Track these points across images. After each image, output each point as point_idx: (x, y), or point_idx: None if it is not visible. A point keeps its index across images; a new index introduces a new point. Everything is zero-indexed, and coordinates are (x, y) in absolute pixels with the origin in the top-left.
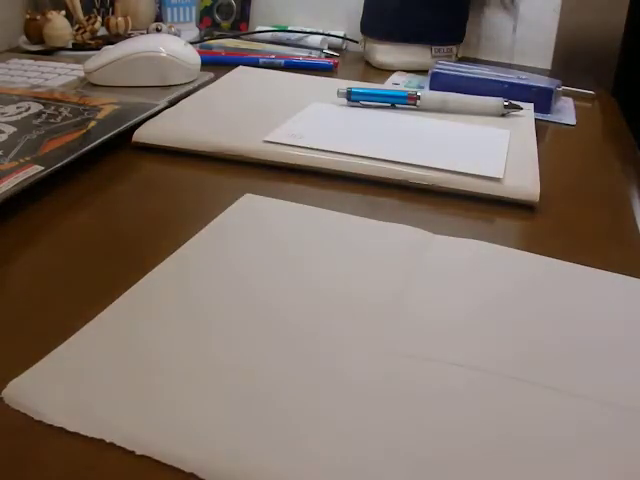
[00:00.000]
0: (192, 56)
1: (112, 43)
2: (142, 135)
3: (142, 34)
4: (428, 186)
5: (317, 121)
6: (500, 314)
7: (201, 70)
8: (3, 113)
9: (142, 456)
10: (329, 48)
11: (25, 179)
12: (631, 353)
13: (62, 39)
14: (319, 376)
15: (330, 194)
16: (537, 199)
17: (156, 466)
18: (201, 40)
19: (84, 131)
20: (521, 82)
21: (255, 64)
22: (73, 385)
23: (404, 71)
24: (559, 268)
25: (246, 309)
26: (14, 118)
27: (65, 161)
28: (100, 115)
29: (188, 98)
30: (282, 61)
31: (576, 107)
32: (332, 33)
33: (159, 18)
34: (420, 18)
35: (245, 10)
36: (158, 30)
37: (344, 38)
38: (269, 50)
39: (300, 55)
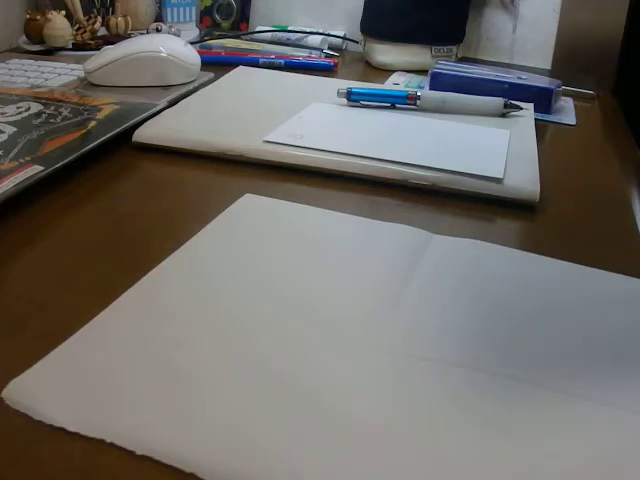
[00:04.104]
0: (192, 56)
1: (112, 43)
2: (142, 135)
3: (142, 34)
4: (428, 186)
5: (317, 121)
6: (500, 314)
7: (201, 70)
8: (3, 113)
9: (142, 456)
10: (329, 48)
11: (25, 179)
12: (631, 353)
13: (62, 39)
14: (319, 376)
15: (330, 194)
16: (537, 199)
17: (156, 466)
18: (201, 40)
19: (84, 131)
20: (521, 82)
21: (255, 64)
22: (73, 385)
23: (404, 71)
24: (559, 268)
25: (246, 309)
26: (14, 118)
27: (65, 161)
28: (100, 115)
29: (188, 98)
30: (282, 61)
31: (576, 107)
32: (332, 33)
33: (159, 18)
34: (420, 18)
35: (245, 10)
36: (158, 30)
37: (344, 38)
38: (269, 50)
39: (300, 55)
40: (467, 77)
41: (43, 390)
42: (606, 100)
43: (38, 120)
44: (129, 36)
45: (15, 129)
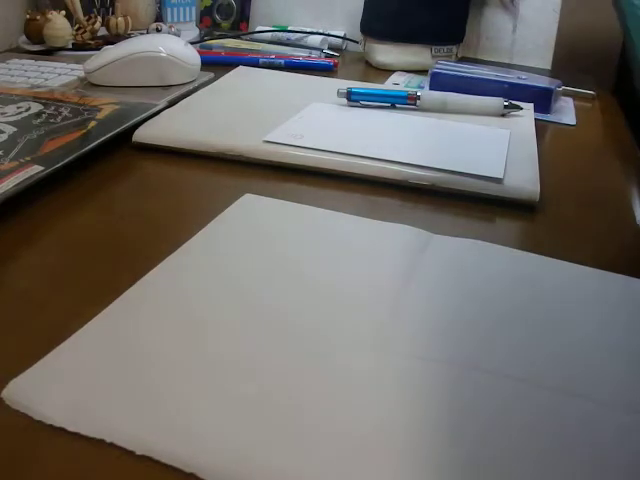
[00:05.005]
0: (192, 56)
1: (112, 43)
2: (142, 135)
3: (142, 34)
4: (428, 186)
5: (317, 121)
6: (499, 314)
7: (201, 70)
8: (3, 113)
9: (142, 456)
10: (329, 48)
11: (25, 179)
12: (630, 354)
13: (62, 39)
14: (318, 376)
15: (330, 194)
16: (537, 199)
17: (156, 466)
18: (201, 40)
19: (84, 131)
20: (521, 82)
21: (255, 64)
22: (73, 385)
23: (404, 71)
24: (559, 268)
25: (246, 309)
26: (14, 118)
27: (65, 161)
28: (100, 115)
29: (188, 98)
30: (282, 61)
31: (576, 107)
32: (332, 33)
33: (159, 18)
34: (420, 18)
35: (245, 10)
36: (158, 30)
37: (344, 38)
38: (269, 50)
39: (300, 55)
40: (467, 77)
41: (43, 390)
42: (606, 100)
43: (38, 120)
44: (129, 36)
45: (15, 129)
